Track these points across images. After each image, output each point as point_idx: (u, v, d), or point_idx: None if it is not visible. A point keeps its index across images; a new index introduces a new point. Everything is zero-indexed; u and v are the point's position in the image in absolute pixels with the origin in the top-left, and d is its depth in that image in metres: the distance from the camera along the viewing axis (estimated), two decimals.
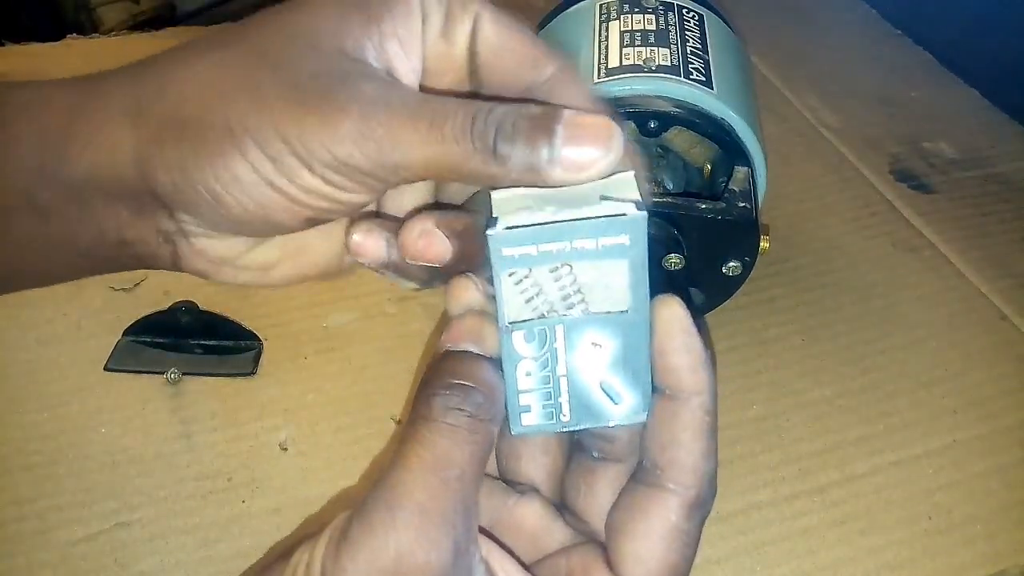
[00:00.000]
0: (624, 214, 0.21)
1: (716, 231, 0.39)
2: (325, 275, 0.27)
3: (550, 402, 0.23)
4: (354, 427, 0.44)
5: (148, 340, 0.46)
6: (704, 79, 0.41)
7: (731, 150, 0.41)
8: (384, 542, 0.20)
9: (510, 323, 0.22)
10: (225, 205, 0.22)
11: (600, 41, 0.43)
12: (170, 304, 0.47)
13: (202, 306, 0.47)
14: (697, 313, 0.45)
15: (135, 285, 0.49)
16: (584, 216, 0.21)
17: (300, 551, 0.22)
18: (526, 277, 0.22)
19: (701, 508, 0.23)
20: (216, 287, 0.48)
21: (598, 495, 0.25)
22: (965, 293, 0.52)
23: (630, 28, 0.43)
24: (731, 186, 0.39)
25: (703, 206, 0.39)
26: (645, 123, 0.41)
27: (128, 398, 0.44)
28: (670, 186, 0.43)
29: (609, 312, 0.22)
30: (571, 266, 0.22)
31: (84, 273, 0.26)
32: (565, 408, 0.23)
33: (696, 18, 0.45)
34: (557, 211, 0.21)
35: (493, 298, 0.23)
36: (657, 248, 0.39)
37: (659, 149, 0.43)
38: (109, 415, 0.43)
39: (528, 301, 0.22)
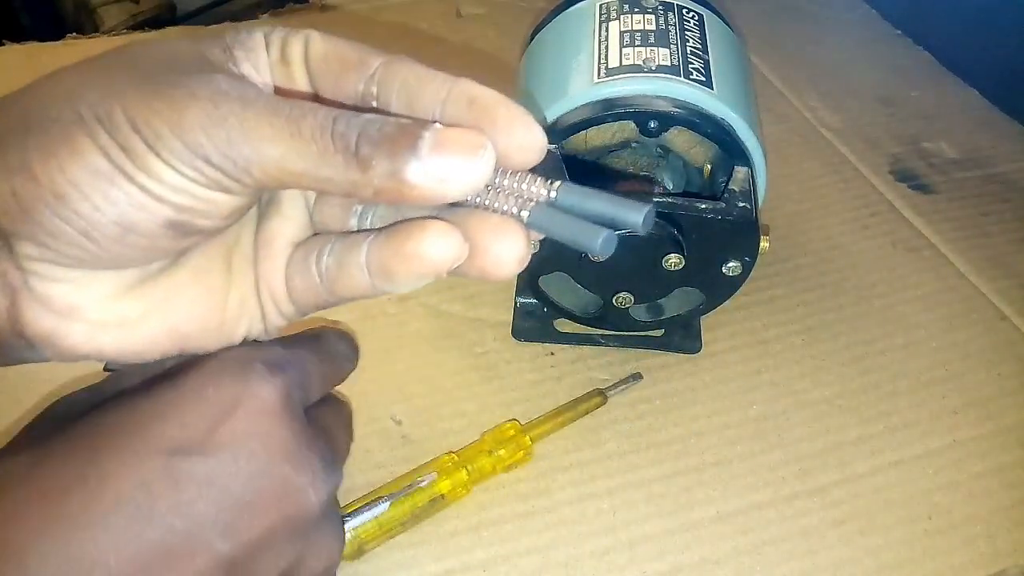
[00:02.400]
0: None
1: (716, 231, 0.39)
2: (205, 333, 0.24)
3: None
4: (355, 427, 0.43)
5: None
6: (704, 79, 0.41)
7: (731, 150, 0.41)
8: None
9: None
10: (75, 207, 0.20)
11: (600, 41, 0.43)
12: None
13: None
14: (697, 314, 0.45)
15: None
16: None
17: None
18: None
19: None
20: None
21: None
22: (965, 293, 0.52)
23: (630, 28, 0.43)
24: (731, 186, 0.39)
25: (703, 206, 0.39)
26: (645, 123, 0.41)
27: None
28: (670, 186, 0.43)
29: None
30: None
31: None
32: None
33: (696, 18, 0.45)
34: None
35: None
36: (657, 248, 0.39)
37: (659, 149, 0.43)
38: None
39: None
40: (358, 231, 0.24)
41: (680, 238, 0.39)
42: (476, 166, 0.20)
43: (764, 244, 0.40)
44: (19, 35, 0.67)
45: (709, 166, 0.43)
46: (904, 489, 0.42)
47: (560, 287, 0.44)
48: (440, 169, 0.20)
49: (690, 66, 0.41)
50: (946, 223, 0.56)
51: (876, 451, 0.44)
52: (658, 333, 0.47)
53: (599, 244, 0.21)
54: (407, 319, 0.49)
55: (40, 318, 0.22)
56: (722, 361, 0.47)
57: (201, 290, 0.24)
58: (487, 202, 0.22)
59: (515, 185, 0.22)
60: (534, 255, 0.41)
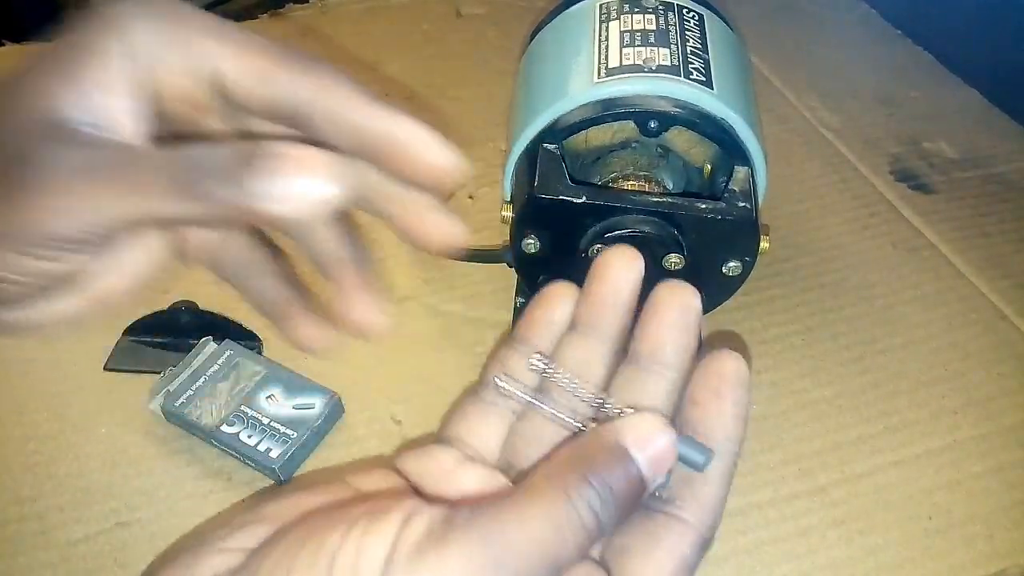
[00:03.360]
0: None
1: (716, 231, 0.39)
2: (147, 280, 0.26)
3: None
4: (354, 427, 0.44)
5: (148, 340, 0.46)
6: (704, 79, 0.41)
7: (731, 150, 0.41)
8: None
9: None
10: None
11: (600, 41, 0.43)
12: (170, 304, 0.47)
13: (202, 306, 0.48)
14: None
15: None
16: None
17: (340, 534, 0.21)
18: None
19: (707, 546, 0.25)
20: (217, 286, 0.48)
21: None
22: (965, 293, 0.52)
23: (630, 28, 0.43)
24: (731, 186, 0.39)
25: (703, 206, 0.39)
26: (646, 123, 0.41)
27: (128, 398, 0.44)
28: (670, 186, 0.43)
29: None
30: None
31: None
32: None
33: (696, 18, 0.45)
34: None
35: None
36: (657, 248, 0.39)
37: (659, 149, 0.43)
38: (109, 415, 0.43)
39: None
40: None
41: (680, 238, 0.39)
42: (315, 184, 0.20)
43: (764, 244, 0.40)
44: (19, 35, 0.67)
45: (709, 166, 0.43)
46: (904, 489, 0.42)
47: None
48: (278, 190, 0.20)
49: (690, 66, 0.41)
50: (946, 223, 0.56)
51: (876, 451, 0.44)
52: None
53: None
54: (407, 319, 0.49)
55: None
56: None
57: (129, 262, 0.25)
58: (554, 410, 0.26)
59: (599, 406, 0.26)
60: (534, 255, 0.42)
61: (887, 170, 0.60)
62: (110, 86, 0.23)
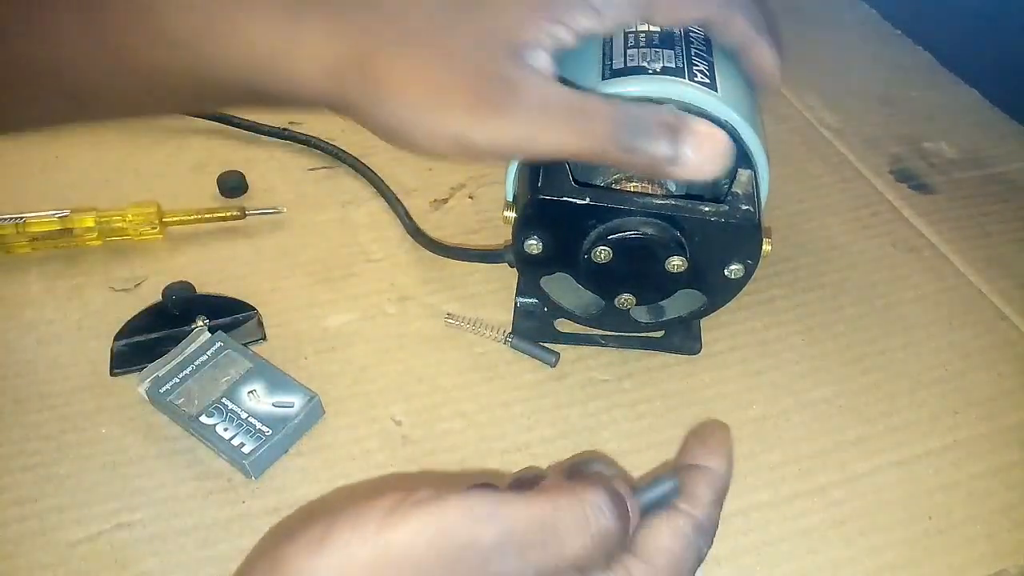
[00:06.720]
0: None
1: (719, 234, 0.39)
2: None
3: None
4: (354, 427, 0.44)
5: (142, 339, 0.46)
6: (708, 81, 0.41)
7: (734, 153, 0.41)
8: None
9: None
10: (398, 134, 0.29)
11: (604, 42, 0.43)
12: (164, 287, 0.47)
13: (196, 287, 0.48)
14: (698, 316, 0.45)
15: (136, 285, 0.49)
16: None
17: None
18: None
19: (704, 532, 0.28)
20: (209, 264, 0.48)
21: None
22: (965, 293, 0.52)
23: (635, 29, 0.43)
24: (734, 189, 0.39)
25: (706, 208, 0.39)
26: None
27: (128, 398, 0.44)
28: (673, 188, 0.43)
29: None
30: None
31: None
32: None
33: None
34: None
35: None
36: (659, 250, 0.39)
37: None
38: (109, 415, 0.43)
39: None
40: None
41: (683, 240, 0.39)
42: (717, 162, 0.29)
43: (767, 247, 0.40)
44: None
45: None
46: (904, 489, 0.42)
47: (560, 287, 0.44)
48: (695, 164, 0.28)
49: (694, 68, 0.41)
50: (946, 223, 0.56)
51: (876, 451, 0.44)
52: (658, 334, 0.47)
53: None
54: (407, 319, 0.49)
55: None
56: (722, 361, 0.47)
57: None
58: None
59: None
60: (536, 256, 0.41)
61: (887, 170, 0.60)
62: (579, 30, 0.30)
